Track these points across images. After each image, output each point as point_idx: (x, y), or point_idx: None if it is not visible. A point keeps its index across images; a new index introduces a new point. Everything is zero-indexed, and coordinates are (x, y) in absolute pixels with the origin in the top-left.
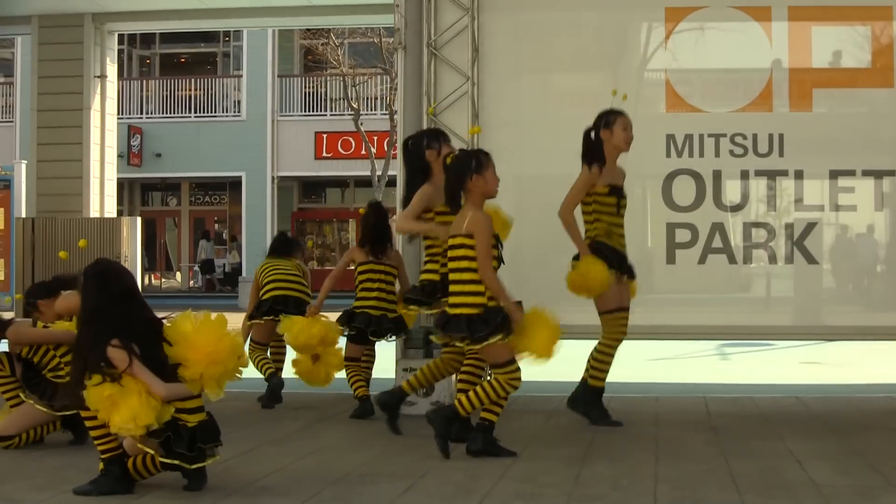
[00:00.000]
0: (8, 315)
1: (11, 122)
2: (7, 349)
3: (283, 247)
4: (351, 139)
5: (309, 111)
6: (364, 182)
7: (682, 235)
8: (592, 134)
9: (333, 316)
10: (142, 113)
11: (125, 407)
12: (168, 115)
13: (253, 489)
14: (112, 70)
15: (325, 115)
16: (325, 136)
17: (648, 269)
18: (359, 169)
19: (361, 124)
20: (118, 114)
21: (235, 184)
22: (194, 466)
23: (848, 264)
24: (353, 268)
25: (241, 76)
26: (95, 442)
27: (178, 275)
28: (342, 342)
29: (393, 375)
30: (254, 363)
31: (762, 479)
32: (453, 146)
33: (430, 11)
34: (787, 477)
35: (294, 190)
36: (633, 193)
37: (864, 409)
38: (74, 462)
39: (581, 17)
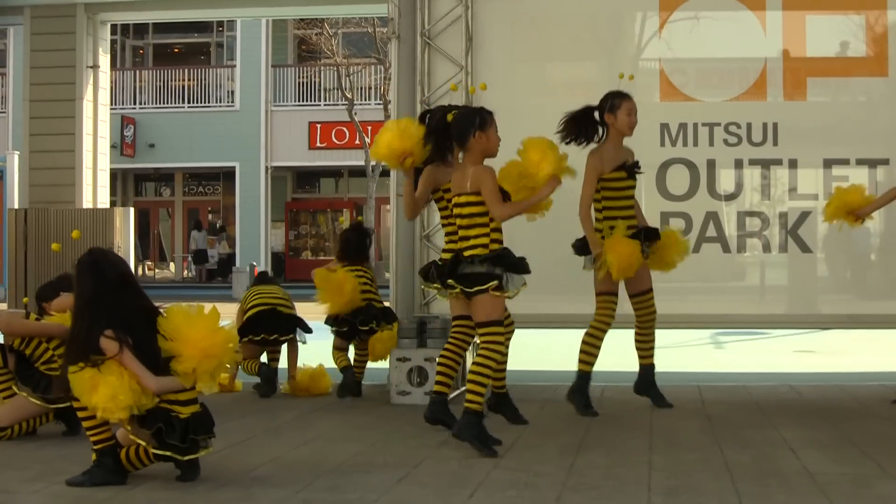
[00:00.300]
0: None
1: (4, 112)
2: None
3: (267, 277)
4: (345, 129)
5: (303, 101)
6: (358, 172)
7: (676, 224)
8: (596, 114)
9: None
10: (135, 103)
11: (104, 385)
12: (161, 105)
13: (247, 479)
14: (105, 60)
15: (319, 105)
16: (318, 126)
17: None
18: (353, 159)
19: (355, 114)
20: (111, 104)
21: (229, 174)
22: (187, 458)
23: (841, 253)
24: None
25: (235, 66)
26: (88, 433)
27: (172, 265)
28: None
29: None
30: (245, 371)
31: (756, 468)
32: None
33: (423, 1)
34: (782, 465)
35: (288, 180)
36: None
37: (859, 397)
38: (67, 453)
39: (575, 7)
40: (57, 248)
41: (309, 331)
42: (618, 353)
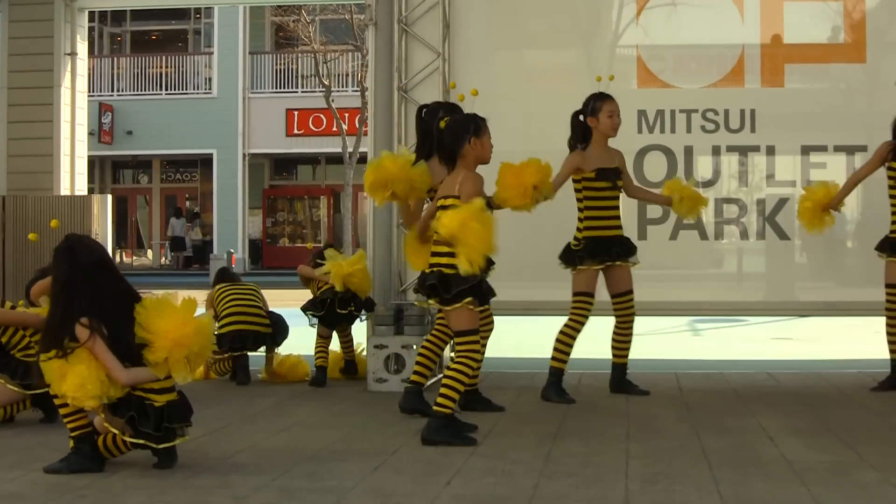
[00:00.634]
0: None
1: None
2: None
3: (231, 274)
4: (322, 116)
5: (280, 88)
6: (335, 159)
7: (654, 211)
8: (581, 117)
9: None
10: (113, 90)
11: (72, 374)
12: (139, 92)
13: (224, 466)
14: (83, 47)
15: (297, 91)
16: (296, 113)
17: None
18: (330, 146)
19: (333, 101)
20: (89, 91)
21: (207, 161)
22: (162, 446)
23: (819, 240)
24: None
25: (213, 53)
26: (65, 420)
27: (150, 252)
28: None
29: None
30: (216, 372)
31: (734, 455)
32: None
33: None
34: (759, 453)
35: (265, 167)
36: None
37: (836, 384)
38: (45, 440)
39: None
40: (34, 238)
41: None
42: (596, 341)
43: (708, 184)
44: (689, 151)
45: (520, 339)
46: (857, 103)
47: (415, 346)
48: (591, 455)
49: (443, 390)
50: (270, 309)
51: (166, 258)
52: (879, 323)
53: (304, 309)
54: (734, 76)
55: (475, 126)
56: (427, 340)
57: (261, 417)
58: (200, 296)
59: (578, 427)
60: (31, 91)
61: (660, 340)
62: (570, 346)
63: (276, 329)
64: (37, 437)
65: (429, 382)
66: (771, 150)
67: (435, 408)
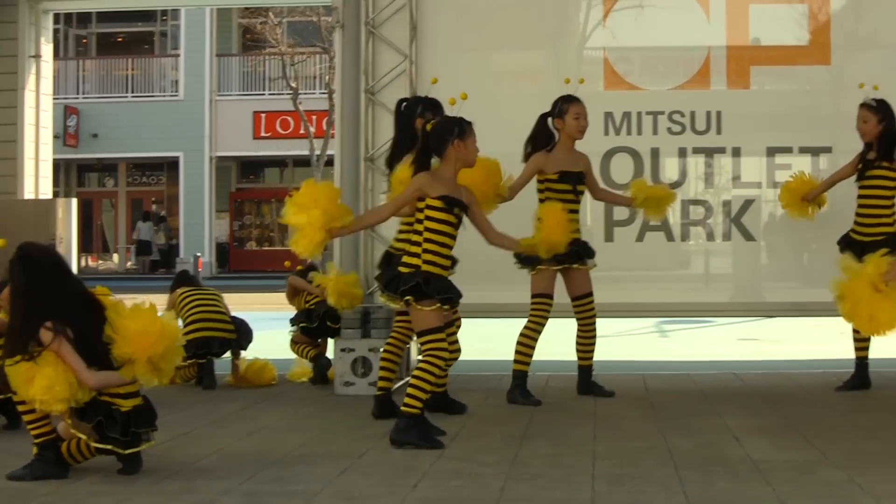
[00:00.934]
0: None
1: None
2: None
3: (192, 277)
4: (289, 119)
5: (247, 90)
6: (303, 162)
7: (621, 213)
8: (549, 120)
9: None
10: (78, 93)
11: (40, 377)
12: (105, 94)
13: (190, 471)
14: (47, 50)
15: (264, 94)
16: (263, 115)
17: None
18: (297, 148)
19: (300, 104)
20: (54, 94)
21: (173, 164)
22: (128, 452)
23: (785, 241)
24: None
25: (179, 55)
26: (28, 426)
27: (115, 256)
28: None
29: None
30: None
31: (700, 456)
32: None
33: None
34: (726, 453)
35: (232, 170)
36: None
37: (802, 384)
38: (8, 447)
39: None
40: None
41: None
42: (563, 343)
43: (674, 185)
44: (655, 153)
45: (487, 341)
46: (822, 105)
47: (381, 349)
48: (557, 456)
49: (410, 391)
50: (234, 314)
51: (132, 262)
52: (844, 323)
53: (296, 320)
54: (700, 78)
55: (460, 129)
56: (388, 344)
57: (227, 422)
58: (164, 299)
59: (545, 429)
60: None
61: (626, 342)
62: (532, 347)
63: (241, 334)
64: None
65: (396, 385)
66: (737, 152)
67: (402, 408)
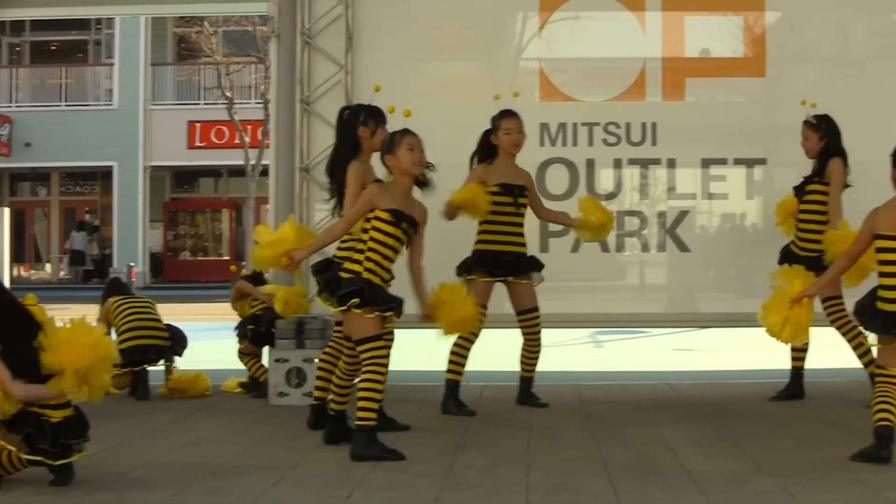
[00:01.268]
0: None
1: None
2: None
3: (124, 285)
4: (224, 128)
5: (182, 100)
6: (237, 172)
7: (556, 224)
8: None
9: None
10: (11, 101)
11: None
12: (38, 103)
13: (123, 482)
14: None
15: (199, 103)
16: (198, 125)
17: None
18: (232, 158)
19: (235, 113)
20: None
21: (107, 173)
22: (59, 463)
23: (720, 252)
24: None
25: (114, 64)
26: None
27: (48, 266)
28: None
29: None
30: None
31: (634, 466)
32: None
33: (304, 0)
34: (660, 463)
35: (167, 180)
36: None
37: (736, 395)
38: None
39: (456, 6)
40: None
41: (183, 349)
42: (497, 353)
43: (610, 196)
44: (590, 164)
45: (421, 351)
46: (757, 117)
47: (316, 360)
48: (492, 467)
49: (360, 404)
50: (168, 322)
51: (65, 272)
52: None
53: (243, 325)
54: (636, 89)
55: (388, 143)
56: (325, 353)
57: (160, 432)
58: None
59: (480, 439)
60: None
61: (562, 352)
62: (464, 357)
63: (175, 341)
64: None
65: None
66: (672, 163)
67: (357, 423)
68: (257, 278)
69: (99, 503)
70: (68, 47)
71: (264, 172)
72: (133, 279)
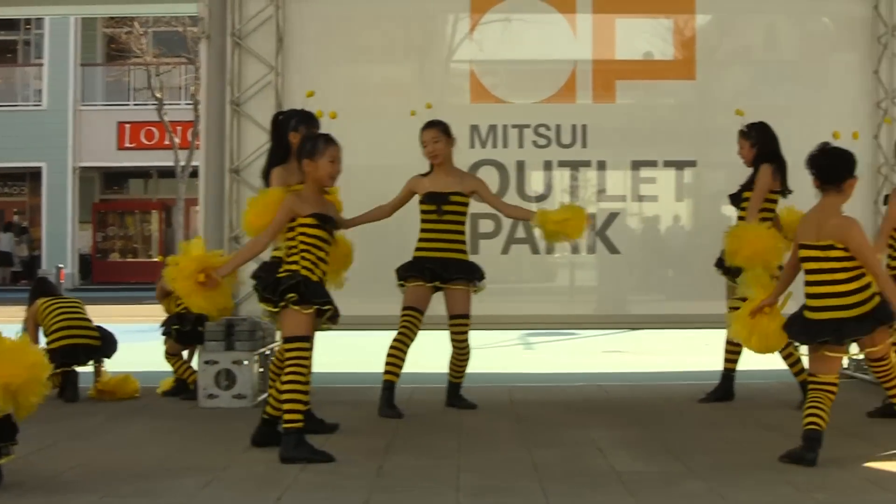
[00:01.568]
0: None
1: None
2: None
3: (52, 287)
4: (154, 129)
5: (112, 101)
6: (167, 173)
7: (486, 226)
8: None
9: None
10: None
11: None
12: None
13: (53, 485)
14: None
15: (129, 104)
16: (127, 126)
17: None
18: (162, 159)
19: (165, 114)
20: None
21: (35, 174)
22: None
23: (649, 254)
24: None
25: (43, 64)
26: None
27: None
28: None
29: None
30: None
31: (564, 468)
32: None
33: (234, 0)
34: (590, 465)
35: (96, 181)
36: None
37: (666, 396)
38: None
39: (387, 8)
40: None
41: (114, 351)
42: (427, 356)
43: (540, 198)
44: (521, 166)
45: (353, 353)
46: (686, 119)
47: (245, 362)
48: (422, 469)
49: (285, 406)
50: (98, 324)
51: None
52: (708, 335)
53: (168, 324)
54: (566, 92)
55: (310, 147)
56: (274, 365)
57: (90, 434)
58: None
59: (410, 441)
60: None
61: (492, 354)
62: (400, 358)
63: (105, 343)
64: None
65: (259, 399)
66: (602, 165)
67: (284, 425)
68: None
69: None
70: None
71: (194, 174)
72: (62, 280)
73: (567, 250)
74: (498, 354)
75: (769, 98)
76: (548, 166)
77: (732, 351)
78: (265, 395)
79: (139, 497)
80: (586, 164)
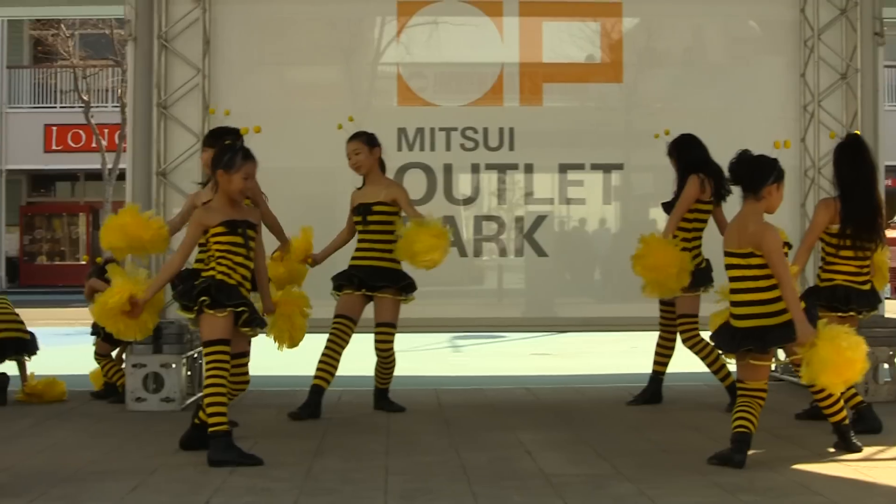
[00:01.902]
0: None
1: None
2: None
3: None
4: (81, 132)
5: (38, 103)
6: (94, 175)
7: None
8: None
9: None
10: None
11: None
12: None
13: None
14: None
15: (55, 107)
16: (54, 128)
17: None
18: (89, 162)
19: (92, 117)
20: None
21: None
22: None
23: (577, 257)
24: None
25: None
26: None
27: None
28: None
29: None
30: None
31: (493, 470)
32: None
33: (161, 3)
34: (518, 467)
35: (23, 184)
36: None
37: (593, 399)
38: None
39: (314, 10)
40: None
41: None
42: (355, 359)
43: (468, 201)
44: (448, 169)
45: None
46: (614, 122)
47: (174, 365)
48: (350, 472)
49: (208, 409)
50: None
51: None
52: (636, 338)
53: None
54: (493, 95)
55: (227, 159)
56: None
57: (18, 438)
58: None
59: (338, 444)
60: None
61: (420, 357)
62: (331, 364)
63: (32, 338)
64: None
65: (189, 401)
66: (529, 168)
67: (210, 430)
68: (108, 263)
69: None
70: None
71: (121, 176)
72: None
73: (495, 253)
74: (426, 357)
75: (697, 101)
76: (475, 169)
77: (663, 354)
78: (194, 399)
79: (67, 501)
80: (514, 167)
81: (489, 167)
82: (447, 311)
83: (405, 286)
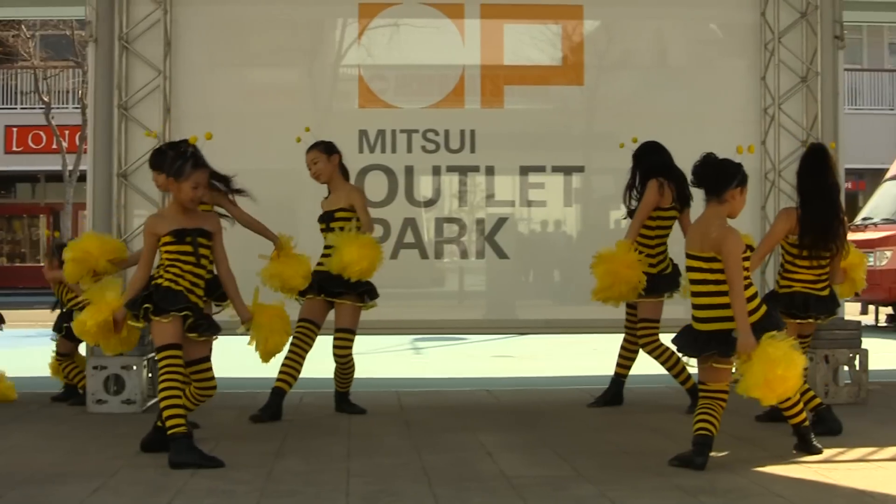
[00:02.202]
0: None
1: None
2: None
3: None
4: (42, 133)
5: None
6: (55, 177)
7: (375, 231)
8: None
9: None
10: None
11: None
12: None
13: None
14: None
15: (16, 108)
16: (15, 129)
17: None
18: (50, 164)
19: (53, 118)
20: None
21: None
22: None
23: (538, 259)
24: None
25: None
26: None
27: None
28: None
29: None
30: None
31: (454, 472)
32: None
33: (122, 4)
34: (479, 469)
35: None
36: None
37: (554, 401)
38: None
39: (275, 12)
40: None
41: None
42: (317, 361)
43: (429, 203)
44: (409, 171)
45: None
46: (575, 125)
47: (135, 367)
48: (311, 473)
49: (166, 413)
50: None
51: None
52: (596, 340)
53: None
54: (455, 97)
55: (178, 166)
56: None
57: None
58: None
59: (300, 446)
60: None
61: (381, 359)
62: (293, 368)
63: None
64: None
65: (149, 403)
66: (490, 171)
67: (170, 432)
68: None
69: None
70: None
71: (82, 178)
72: None
73: (456, 255)
74: (387, 359)
75: (658, 104)
76: (436, 171)
77: (627, 357)
78: (155, 401)
79: (26, 503)
80: (475, 169)
81: (450, 169)
82: (408, 313)
83: (365, 292)
